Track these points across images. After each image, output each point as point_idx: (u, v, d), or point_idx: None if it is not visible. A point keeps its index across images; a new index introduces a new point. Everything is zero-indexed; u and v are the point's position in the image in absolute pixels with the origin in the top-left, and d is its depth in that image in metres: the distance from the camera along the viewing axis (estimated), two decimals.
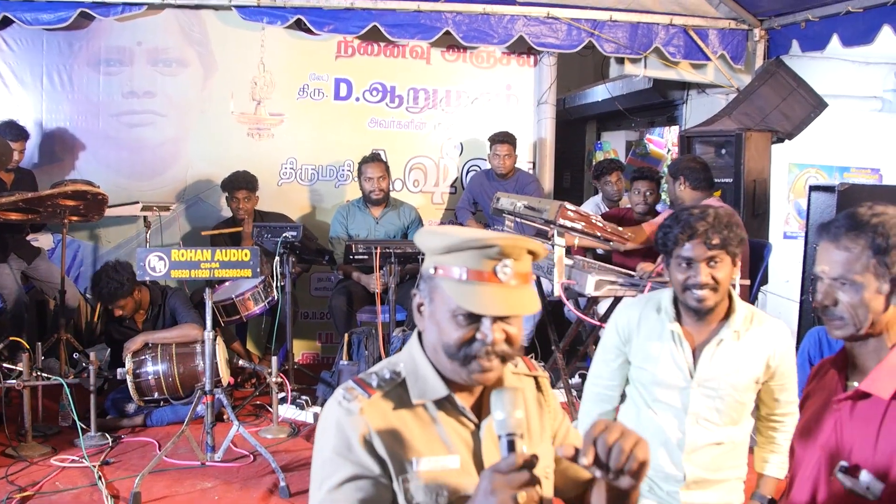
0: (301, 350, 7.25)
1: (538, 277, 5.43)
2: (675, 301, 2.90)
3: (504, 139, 7.01)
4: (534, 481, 1.55)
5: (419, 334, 1.89)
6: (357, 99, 7.32)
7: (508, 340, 1.77)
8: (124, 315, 5.44)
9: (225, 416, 4.97)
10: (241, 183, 6.54)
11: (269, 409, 5.28)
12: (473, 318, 1.74)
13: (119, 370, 5.08)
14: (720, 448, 2.88)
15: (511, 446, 1.62)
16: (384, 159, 6.74)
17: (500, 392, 1.66)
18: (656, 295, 3.00)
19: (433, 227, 1.92)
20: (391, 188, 6.95)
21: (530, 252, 1.79)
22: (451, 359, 1.77)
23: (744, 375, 2.84)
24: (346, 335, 5.65)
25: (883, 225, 2.03)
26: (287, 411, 5.37)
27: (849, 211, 2.10)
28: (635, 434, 1.66)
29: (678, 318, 2.88)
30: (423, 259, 1.86)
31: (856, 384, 2.13)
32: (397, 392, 1.83)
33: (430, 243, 1.80)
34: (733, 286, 2.91)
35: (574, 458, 1.66)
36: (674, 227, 2.77)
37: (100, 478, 4.25)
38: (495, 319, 1.74)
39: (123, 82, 6.89)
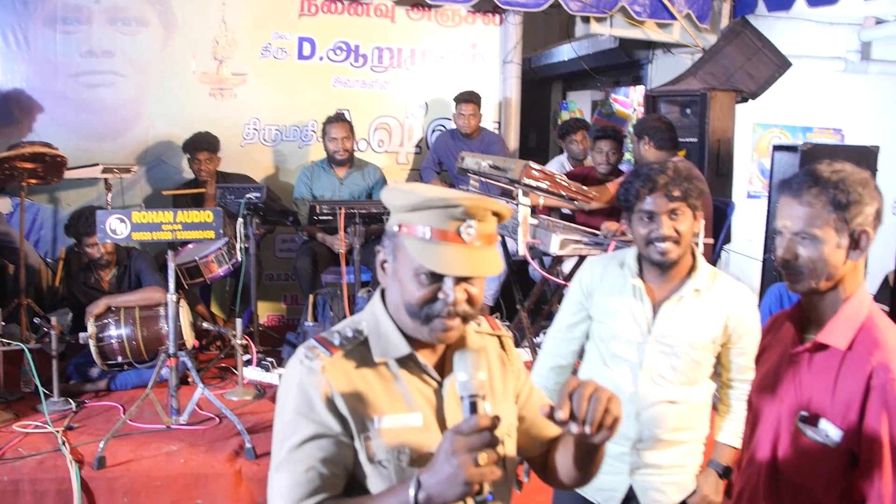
0: (266, 312, 7.23)
1: (503, 237, 5.43)
2: (640, 258, 2.91)
3: (469, 98, 6.98)
4: (495, 442, 1.57)
5: (382, 293, 1.89)
6: (321, 58, 7.24)
7: (470, 300, 1.77)
8: (101, 258, 5.35)
9: (189, 379, 4.95)
10: (202, 144, 6.47)
11: (234, 371, 5.27)
12: (436, 278, 1.74)
13: (81, 334, 5.03)
14: (674, 407, 2.88)
15: (473, 408, 1.64)
16: (348, 119, 6.69)
17: (463, 353, 1.68)
18: (622, 252, 3.00)
19: (399, 184, 1.90)
20: (356, 148, 6.91)
21: (495, 213, 1.79)
22: (412, 317, 1.77)
23: (701, 334, 2.84)
24: (311, 296, 5.66)
25: (843, 181, 2.08)
26: (252, 373, 5.35)
27: (809, 168, 2.15)
28: (608, 390, 1.69)
29: (641, 274, 2.89)
30: (387, 217, 1.85)
31: (812, 337, 2.20)
32: (360, 350, 1.83)
33: (396, 201, 1.79)
34: (696, 244, 2.91)
35: (550, 416, 1.68)
36: (634, 181, 2.77)
37: (63, 443, 4.22)
38: (458, 280, 1.74)
39: (81, 41, 6.74)
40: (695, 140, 6.21)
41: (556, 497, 3.12)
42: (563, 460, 1.98)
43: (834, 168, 2.11)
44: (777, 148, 5.65)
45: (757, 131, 7.70)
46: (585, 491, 2.91)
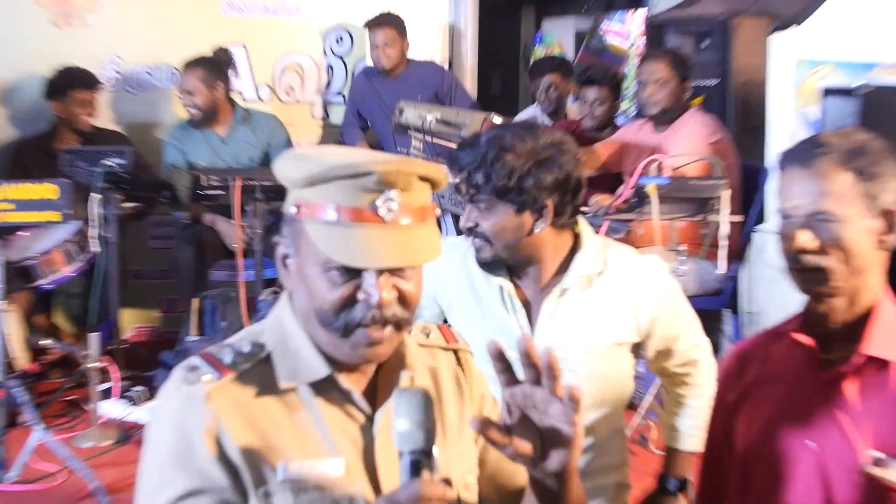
0: (133, 322, 7.15)
1: (455, 216, 5.40)
2: None
3: (381, 22, 6.96)
4: None
5: (291, 295, 1.89)
6: None
7: (402, 300, 1.76)
8: None
9: (20, 419, 4.85)
10: (80, 79, 6.42)
11: (87, 406, 5.20)
12: (353, 273, 1.73)
13: None
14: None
15: (415, 469, 1.61)
16: (226, 60, 6.67)
17: (403, 393, 1.65)
18: None
19: (295, 150, 1.88)
20: (258, 98, 6.97)
21: (424, 178, 1.78)
22: (326, 328, 1.77)
23: (601, 338, 2.80)
24: (196, 301, 5.63)
25: (865, 147, 2.17)
26: (113, 408, 5.30)
27: (814, 135, 2.26)
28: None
29: (510, 270, 2.84)
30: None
31: (837, 357, 2.23)
32: (260, 371, 1.82)
33: (289, 173, 1.79)
34: (581, 211, 2.86)
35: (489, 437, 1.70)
36: (453, 161, 2.77)
37: None
38: (382, 272, 1.72)
39: None
40: (714, 83, 6.24)
41: None
42: None
43: (846, 134, 2.20)
44: (828, 92, 5.69)
45: (801, 70, 7.73)
46: None
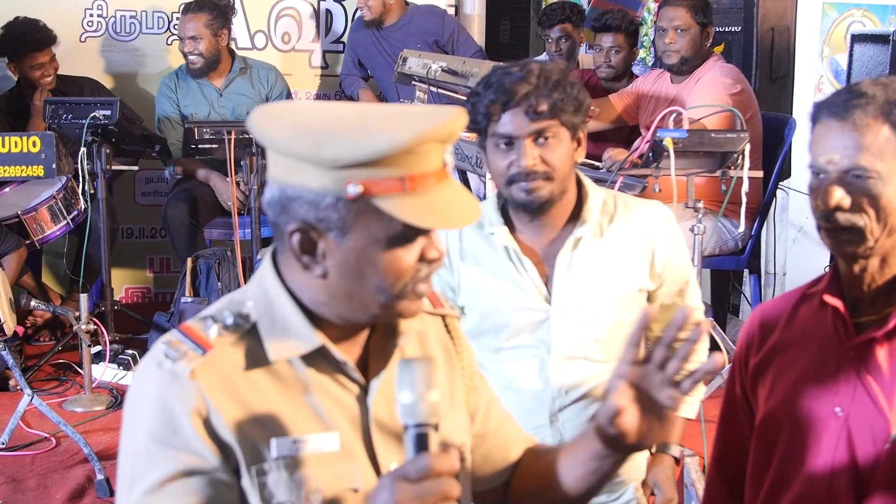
0: (124, 283, 7.20)
1: (463, 172, 5.46)
2: (504, 205, 2.88)
3: None
4: (454, 492, 1.56)
5: (274, 259, 1.84)
6: None
7: None
8: None
9: (11, 383, 4.93)
10: (35, 38, 6.32)
11: (79, 370, 5.27)
12: (420, 235, 1.71)
13: None
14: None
15: (421, 442, 1.61)
16: (226, 4, 6.63)
17: (408, 364, 1.64)
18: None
19: (326, 117, 1.74)
20: (253, 46, 6.93)
21: None
22: (394, 301, 1.75)
23: (621, 284, 2.84)
24: (190, 260, 5.68)
25: None
26: (105, 373, 5.37)
27: (852, 84, 2.19)
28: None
29: (511, 227, 2.85)
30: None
31: (868, 320, 2.22)
32: (246, 344, 1.79)
33: (344, 153, 1.65)
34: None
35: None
36: (484, 93, 2.71)
37: None
38: None
39: None
40: (737, 29, 6.23)
41: None
42: (570, 471, 1.96)
43: (887, 83, 2.13)
44: (857, 38, 5.66)
45: (829, 14, 7.71)
46: None
